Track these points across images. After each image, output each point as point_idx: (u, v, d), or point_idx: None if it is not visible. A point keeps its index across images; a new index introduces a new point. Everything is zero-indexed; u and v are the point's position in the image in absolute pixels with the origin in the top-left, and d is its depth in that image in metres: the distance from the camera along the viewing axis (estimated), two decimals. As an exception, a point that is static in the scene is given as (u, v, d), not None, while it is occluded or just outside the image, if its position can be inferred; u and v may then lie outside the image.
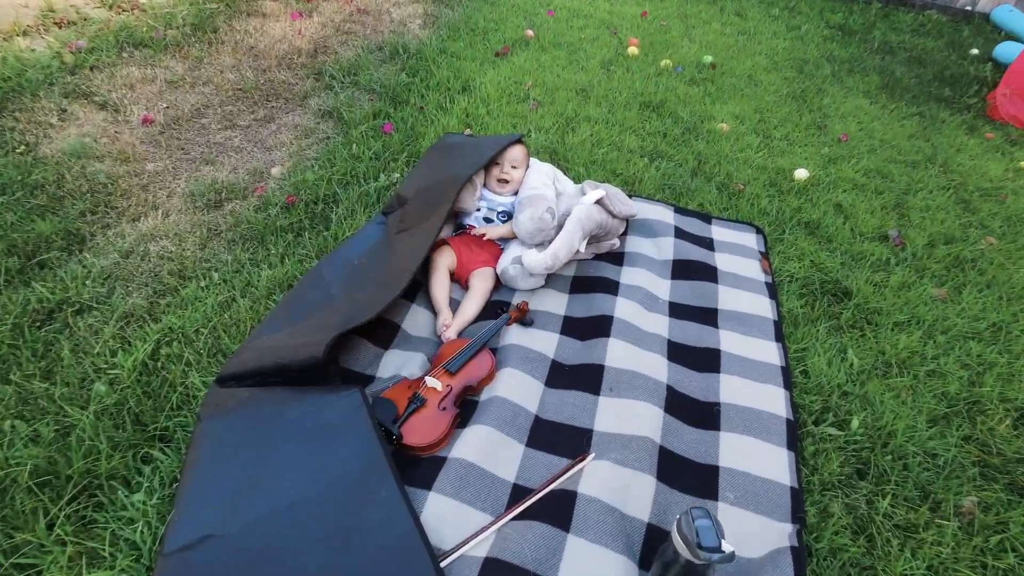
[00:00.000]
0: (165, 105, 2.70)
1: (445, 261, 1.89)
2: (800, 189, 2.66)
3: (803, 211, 2.50)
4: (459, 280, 1.95)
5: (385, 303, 1.60)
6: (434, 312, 1.83)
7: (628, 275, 1.97)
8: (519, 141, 2.05)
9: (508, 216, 2.02)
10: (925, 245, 2.39)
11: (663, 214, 2.25)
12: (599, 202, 1.94)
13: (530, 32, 3.89)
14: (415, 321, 1.79)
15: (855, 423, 1.61)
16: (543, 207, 1.83)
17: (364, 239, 1.88)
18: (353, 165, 2.40)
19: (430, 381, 1.53)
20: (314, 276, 1.75)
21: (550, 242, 1.90)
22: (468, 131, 2.73)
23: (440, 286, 1.84)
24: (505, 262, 1.88)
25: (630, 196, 2.37)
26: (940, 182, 2.91)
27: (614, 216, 1.99)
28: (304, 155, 2.51)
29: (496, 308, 1.84)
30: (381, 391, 1.54)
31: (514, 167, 2.02)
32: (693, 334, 1.79)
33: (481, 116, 2.86)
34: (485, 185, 2.05)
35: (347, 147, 2.52)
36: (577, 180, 2.52)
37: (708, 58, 3.88)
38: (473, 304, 1.81)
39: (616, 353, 1.66)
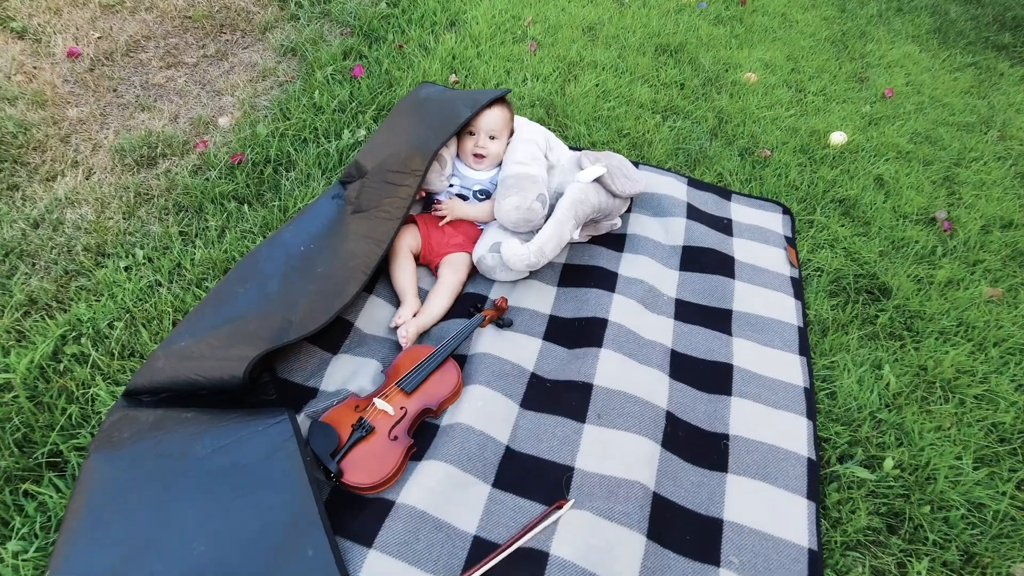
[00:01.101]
0: (97, 35, 2.30)
1: (407, 243, 1.58)
2: (836, 157, 2.29)
3: (838, 185, 2.15)
4: (428, 264, 1.65)
5: (327, 317, 1.32)
6: (396, 304, 1.55)
7: (629, 264, 1.66)
8: (502, 100, 1.67)
9: (486, 195, 1.69)
10: (978, 231, 2.05)
11: (674, 188, 1.91)
12: (598, 180, 1.60)
13: (534, -45, 3.36)
14: (372, 317, 1.51)
15: (888, 463, 1.35)
16: (532, 194, 1.50)
17: (315, 217, 1.57)
18: (313, 117, 2.04)
19: (380, 404, 1.26)
20: (250, 265, 1.45)
21: (537, 229, 1.58)
22: (453, 78, 2.34)
23: (404, 269, 1.54)
24: (482, 248, 1.57)
25: (637, 164, 2.02)
26: (996, 150, 2.53)
27: (616, 196, 1.66)
28: (258, 102, 2.14)
29: (469, 304, 1.54)
30: (323, 411, 1.28)
31: (492, 137, 1.64)
32: (702, 343, 1.50)
33: (470, 59, 2.45)
34: (458, 156, 1.70)
35: (308, 94, 2.15)
36: (577, 141, 2.16)
37: (738, -9, 3.37)
38: (440, 300, 1.52)
39: (608, 369, 1.38)
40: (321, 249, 1.48)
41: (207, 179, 1.81)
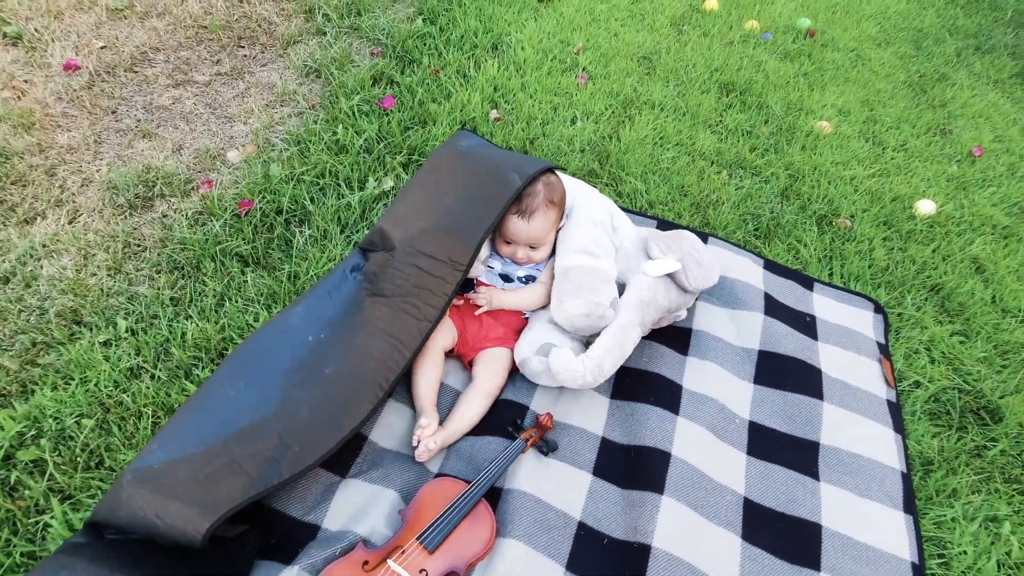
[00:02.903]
0: (101, 44, 2.06)
1: (439, 341, 1.32)
2: (925, 231, 2.01)
3: (930, 267, 1.87)
4: (461, 357, 1.39)
5: (333, 442, 1.08)
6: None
7: (696, 373, 1.39)
8: (550, 187, 1.33)
9: (533, 279, 1.42)
10: (1095, 336, 1.76)
11: (749, 271, 1.64)
12: (669, 275, 1.34)
13: (585, -32, 3.07)
14: (390, 427, 1.27)
15: (1020, 671, 1.08)
16: (605, 299, 1.24)
17: (328, 298, 1.32)
18: (335, 159, 1.79)
19: (394, 567, 1.02)
20: (246, 356, 1.21)
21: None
22: (495, 113, 2.07)
23: (426, 378, 1.28)
24: (527, 348, 1.31)
25: (705, 238, 1.75)
26: (1102, 229, 2.22)
27: (687, 291, 1.39)
28: (273, 134, 1.89)
29: (506, 416, 1.29)
30: (322, 565, 1.04)
31: (534, 247, 1.36)
32: (782, 490, 1.24)
33: (513, 91, 2.19)
34: (495, 250, 1.43)
35: (330, 128, 1.89)
36: (632, 199, 1.89)
37: (805, 21, 3.07)
38: (473, 409, 1.27)
39: (670, 525, 1.12)
40: (333, 341, 1.23)
41: (208, 231, 1.57)
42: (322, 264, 1.51)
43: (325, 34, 2.32)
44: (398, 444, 1.25)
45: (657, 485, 1.18)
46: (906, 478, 1.29)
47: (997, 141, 2.59)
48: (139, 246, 1.53)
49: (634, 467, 1.22)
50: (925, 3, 3.73)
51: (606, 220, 1.39)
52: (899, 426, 1.38)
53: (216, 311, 1.41)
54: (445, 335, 1.33)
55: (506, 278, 1.41)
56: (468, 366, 1.38)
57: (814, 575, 1.13)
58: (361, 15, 2.44)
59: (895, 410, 1.42)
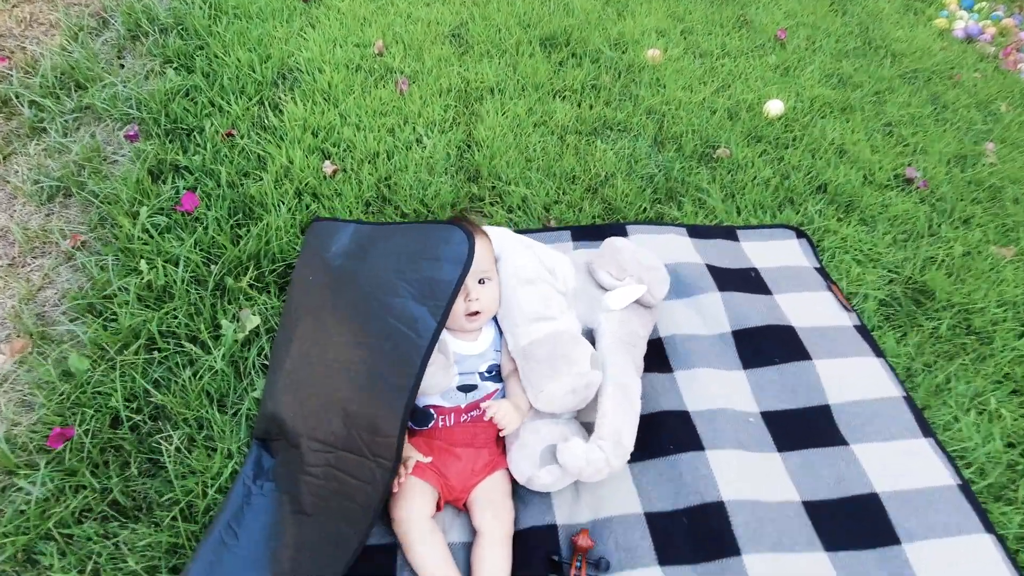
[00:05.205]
0: None
1: (422, 509, 1.03)
2: (784, 131, 2.05)
3: (808, 169, 1.91)
4: (453, 503, 1.12)
5: None
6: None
7: (691, 389, 1.26)
8: (464, 230, 1.11)
9: (496, 372, 1.16)
10: (945, 178, 1.95)
11: (680, 247, 1.53)
12: (637, 300, 1.16)
13: (336, -55, 2.61)
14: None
15: (1069, 536, 1.16)
16: (584, 363, 1.03)
17: (232, 531, 0.95)
18: (159, 313, 1.30)
19: None
20: None
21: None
22: (329, 166, 1.67)
23: (433, 550, 1.00)
24: (528, 465, 1.07)
25: (623, 228, 1.59)
26: (895, 72, 2.47)
27: (650, 307, 1.23)
28: (43, 307, 1.34)
29: (535, 551, 1.06)
30: None
31: (482, 281, 1.13)
32: (826, 472, 1.18)
33: (334, 128, 1.79)
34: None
35: (127, 267, 1.38)
36: (526, 213, 1.66)
37: (581, -56, 2.93)
38: (497, 563, 1.02)
39: (769, 580, 1.01)
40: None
41: (18, 498, 1.06)
42: (221, 468, 1.10)
43: (44, 127, 1.69)
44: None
45: (730, 546, 1.05)
46: (909, 400, 1.30)
47: (788, 17, 2.74)
48: (-85, 573, 0.99)
49: (696, 534, 1.08)
50: None
51: (540, 272, 1.15)
52: (877, 349, 1.39)
53: (95, 611, 0.97)
54: (425, 499, 1.04)
55: (468, 388, 1.13)
56: (463, 508, 1.11)
57: (897, 549, 1.09)
58: (86, 86, 1.82)
59: (865, 333, 1.42)
